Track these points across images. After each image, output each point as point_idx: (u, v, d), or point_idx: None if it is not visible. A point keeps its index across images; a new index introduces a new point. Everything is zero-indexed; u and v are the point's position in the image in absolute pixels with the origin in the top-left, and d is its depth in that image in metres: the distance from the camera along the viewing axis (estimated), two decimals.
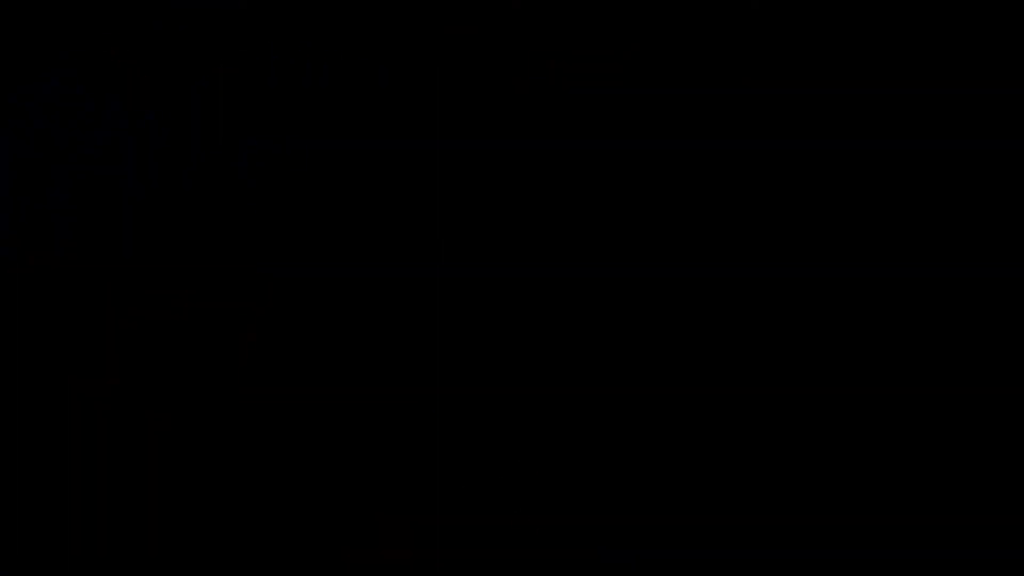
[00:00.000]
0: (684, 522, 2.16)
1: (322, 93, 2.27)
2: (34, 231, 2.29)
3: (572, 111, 2.24)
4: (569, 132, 2.24)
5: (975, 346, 2.17)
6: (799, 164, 2.21)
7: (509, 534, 2.17)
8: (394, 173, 2.27)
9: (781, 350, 2.19)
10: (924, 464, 2.15)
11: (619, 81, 2.23)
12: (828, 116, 2.21)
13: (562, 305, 2.22)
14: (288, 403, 2.24)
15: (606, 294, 2.22)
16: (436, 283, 2.24)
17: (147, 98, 2.28)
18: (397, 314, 2.24)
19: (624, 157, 2.24)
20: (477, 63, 2.25)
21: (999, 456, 2.14)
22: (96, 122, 2.28)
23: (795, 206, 2.21)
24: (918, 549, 2.13)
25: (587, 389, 2.21)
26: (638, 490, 2.17)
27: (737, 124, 2.22)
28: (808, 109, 2.21)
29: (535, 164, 2.24)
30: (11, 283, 2.29)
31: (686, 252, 2.22)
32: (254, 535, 2.20)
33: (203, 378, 2.26)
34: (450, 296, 2.23)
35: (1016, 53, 2.19)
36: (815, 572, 2.13)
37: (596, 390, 2.20)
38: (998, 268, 2.18)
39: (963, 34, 2.20)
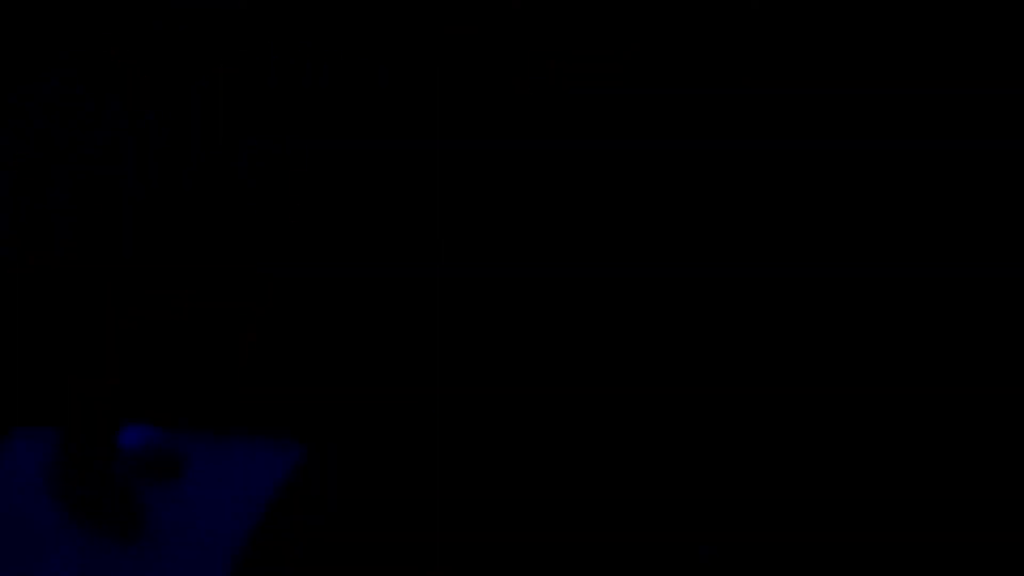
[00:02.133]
0: (686, 530, 2.16)
1: (322, 93, 2.27)
2: (34, 231, 2.30)
3: (572, 111, 2.24)
4: (569, 132, 2.24)
5: (975, 346, 2.17)
6: (799, 164, 2.21)
7: (510, 548, 2.17)
8: (394, 173, 2.27)
9: (781, 350, 2.19)
10: (923, 465, 2.16)
11: (619, 81, 2.24)
12: (828, 116, 2.21)
13: (562, 305, 2.22)
14: (288, 403, 2.24)
15: (606, 294, 2.22)
16: (436, 283, 2.24)
17: (147, 98, 2.28)
18: (397, 314, 2.24)
19: (624, 157, 2.24)
20: (477, 63, 2.25)
21: (999, 457, 2.14)
22: (96, 122, 2.28)
23: (795, 206, 2.21)
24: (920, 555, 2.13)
25: (588, 390, 2.21)
26: (639, 496, 2.17)
27: (737, 124, 2.22)
28: (808, 109, 2.21)
29: (535, 164, 2.24)
30: (11, 283, 2.29)
31: (686, 252, 2.22)
32: None
33: (203, 378, 2.26)
34: (450, 296, 2.24)
35: (1016, 53, 2.19)
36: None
37: (597, 391, 2.21)
38: (998, 268, 2.18)
39: (963, 34, 2.20)
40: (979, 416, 2.16)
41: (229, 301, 2.27)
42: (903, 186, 2.20)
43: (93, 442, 2.03)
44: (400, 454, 2.21)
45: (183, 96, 2.29)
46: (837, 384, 2.18)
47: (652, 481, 2.18)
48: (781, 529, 2.15)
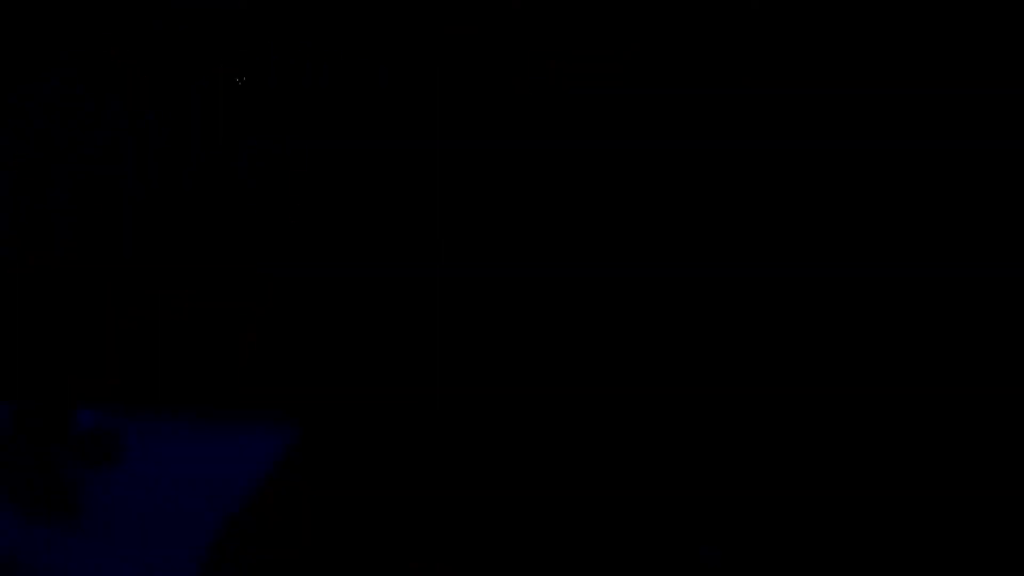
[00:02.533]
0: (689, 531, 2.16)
1: (322, 93, 2.27)
2: (34, 231, 2.29)
3: (572, 111, 2.24)
4: (569, 132, 2.24)
5: (975, 346, 2.17)
6: (799, 164, 2.21)
7: (510, 548, 2.17)
8: (394, 173, 2.27)
9: (781, 350, 2.19)
10: (923, 464, 2.16)
11: (619, 81, 2.24)
12: (828, 116, 2.21)
13: (562, 305, 2.22)
14: (288, 403, 2.24)
15: (606, 294, 2.22)
16: (436, 283, 2.24)
17: (147, 98, 2.28)
18: (397, 314, 2.24)
19: (624, 157, 2.24)
20: (477, 63, 2.25)
21: (999, 457, 2.14)
22: (96, 122, 2.28)
23: (795, 206, 2.22)
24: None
25: (588, 390, 2.21)
26: (640, 495, 2.18)
27: (737, 124, 2.22)
28: (808, 109, 2.21)
29: (535, 164, 2.24)
30: (11, 283, 2.29)
31: (686, 252, 2.22)
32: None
33: (203, 378, 2.26)
34: (450, 296, 2.24)
35: (1016, 53, 2.19)
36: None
37: (597, 391, 2.21)
38: (998, 268, 2.18)
39: (963, 34, 2.20)
40: (979, 416, 2.16)
41: (229, 301, 2.27)
42: (903, 186, 2.21)
43: (47, 426, 2.03)
44: (400, 454, 2.21)
45: (183, 96, 2.29)
46: (837, 384, 2.18)
47: (652, 480, 2.18)
48: (781, 529, 2.15)
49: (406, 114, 2.27)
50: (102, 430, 2.02)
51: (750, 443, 2.18)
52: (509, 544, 2.17)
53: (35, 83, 2.29)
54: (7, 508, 1.97)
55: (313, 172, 2.27)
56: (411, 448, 2.21)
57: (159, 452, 2.06)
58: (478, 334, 2.23)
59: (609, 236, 2.24)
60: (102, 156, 2.28)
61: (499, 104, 2.25)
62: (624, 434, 2.20)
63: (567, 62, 2.24)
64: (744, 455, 2.18)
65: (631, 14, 2.24)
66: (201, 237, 2.28)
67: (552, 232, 2.24)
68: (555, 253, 2.24)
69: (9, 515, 1.96)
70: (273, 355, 2.26)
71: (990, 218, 2.19)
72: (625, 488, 2.18)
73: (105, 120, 2.28)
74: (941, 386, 2.17)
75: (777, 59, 2.22)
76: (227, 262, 2.27)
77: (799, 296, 2.20)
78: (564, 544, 2.17)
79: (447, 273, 2.24)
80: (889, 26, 2.21)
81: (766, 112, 2.22)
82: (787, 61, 2.22)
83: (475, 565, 2.17)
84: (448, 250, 2.25)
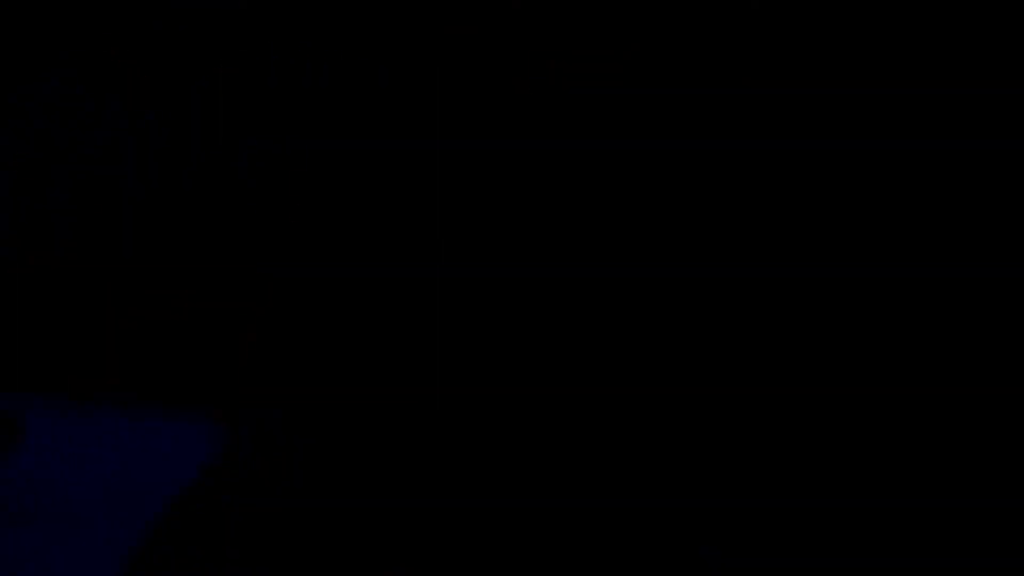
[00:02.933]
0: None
1: (322, 93, 2.27)
2: (34, 231, 2.29)
3: (572, 111, 2.24)
4: (569, 132, 2.24)
5: (975, 346, 2.17)
6: (799, 164, 2.21)
7: (511, 551, 2.17)
8: (394, 173, 2.27)
9: (781, 350, 2.19)
10: (923, 465, 2.16)
11: (619, 81, 2.24)
12: (828, 116, 2.21)
13: (562, 305, 2.22)
14: (288, 403, 2.24)
15: (606, 294, 2.22)
16: (436, 283, 2.24)
17: (147, 98, 2.28)
18: (397, 314, 2.24)
19: (624, 157, 2.24)
20: (477, 63, 2.25)
21: (999, 457, 2.14)
22: (96, 122, 2.28)
23: (795, 206, 2.22)
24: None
25: (588, 390, 2.21)
26: (640, 496, 2.17)
27: (737, 124, 2.22)
28: (808, 109, 2.21)
29: (535, 164, 2.24)
30: (11, 283, 2.29)
31: (686, 252, 2.22)
32: (252, 539, 2.20)
33: (203, 378, 2.26)
34: (450, 296, 2.23)
35: (1016, 53, 2.19)
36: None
37: (597, 391, 2.20)
38: (998, 268, 2.18)
39: (963, 34, 2.20)
40: (979, 416, 2.16)
41: (229, 301, 2.27)
42: (903, 186, 2.20)
43: None
44: (400, 454, 2.21)
45: (183, 96, 2.29)
46: (837, 384, 2.18)
47: (652, 481, 2.18)
48: (781, 529, 2.15)
49: (406, 114, 2.27)
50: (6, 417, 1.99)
51: (750, 443, 2.18)
52: (511, 547, 2.17)
53: (35, 83, 2.29)
54: None
55: (313, 172, 2.27)
56: (410, 446, 2.21)
57: (77, 446, 2.01)
58: (478, 334, 2.23)
59: (609, 236, 2.23)
60: (102, 156, 2.28)
61: (499, 104, 2.25)
62: (625, 434, 2.19)
63: (567, 62, 2.24)
64: (745, 455, 2.18)
65: (631, 14, 2.24)
66: (201, 237, 2.28)
67: (552, 232, 2.24)
68: (555, 253, 2.24)
69: None
70: (273, 355, 2.25)
71: (990, 218, 2.19)
72: (625, 488, 2.18)
73: (105, 120, 2.28)
74: (941, 386, 2.17)
75: (777, 59, 2.22)
76: (227, 262, 2.27)
77: (799, 296, 2.20)
78: (565, 545, 2.17)
79: (447, 273, 2.24)
80: (889, 26, 2.21)
81: (766, 112, 2.22)
82: (787, 61, 2.22)
83: (477, 570, 2.17)
84: (448, 250, 2.25)
